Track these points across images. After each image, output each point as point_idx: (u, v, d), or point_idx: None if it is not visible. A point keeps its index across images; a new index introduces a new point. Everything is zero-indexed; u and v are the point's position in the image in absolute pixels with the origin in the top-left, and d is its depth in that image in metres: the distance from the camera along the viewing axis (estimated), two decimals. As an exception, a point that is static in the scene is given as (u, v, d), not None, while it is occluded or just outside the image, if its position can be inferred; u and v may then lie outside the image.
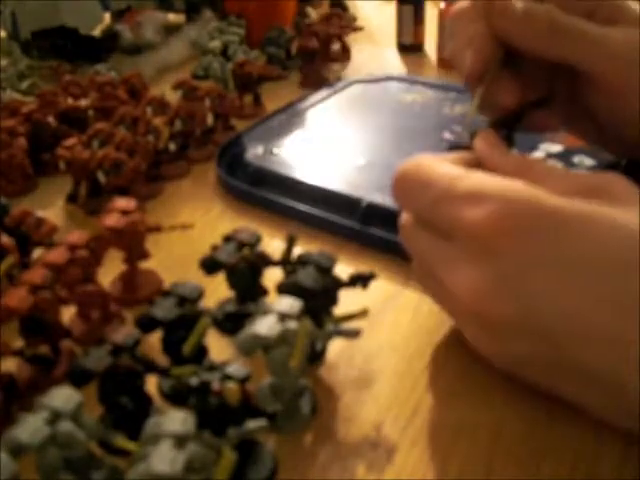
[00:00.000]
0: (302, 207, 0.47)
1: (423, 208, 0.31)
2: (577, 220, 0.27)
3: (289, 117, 0.61)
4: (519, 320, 0.28)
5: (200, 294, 0.33)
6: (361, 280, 0.33)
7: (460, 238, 0.29)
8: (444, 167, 0.31)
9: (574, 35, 0.34)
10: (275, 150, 0.54)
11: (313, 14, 0.94)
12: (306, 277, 0.32)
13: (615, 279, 0.26)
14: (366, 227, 0.44)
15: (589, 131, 0.41)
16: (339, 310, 0.33)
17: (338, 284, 0.33)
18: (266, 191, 0.49)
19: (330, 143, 0.56)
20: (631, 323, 0.25)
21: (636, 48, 0.34)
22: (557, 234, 0.27)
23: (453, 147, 0.37)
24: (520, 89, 0.36)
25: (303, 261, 0.33)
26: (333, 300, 0.34)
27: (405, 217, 0.33)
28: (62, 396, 0.25)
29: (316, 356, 0.33)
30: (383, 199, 0.44)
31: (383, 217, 0.44)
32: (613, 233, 0.26)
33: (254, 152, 0.54)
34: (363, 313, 0.31)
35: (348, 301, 0.34)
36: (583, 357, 0.27)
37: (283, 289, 0.32)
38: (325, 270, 0.33)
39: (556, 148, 0.52)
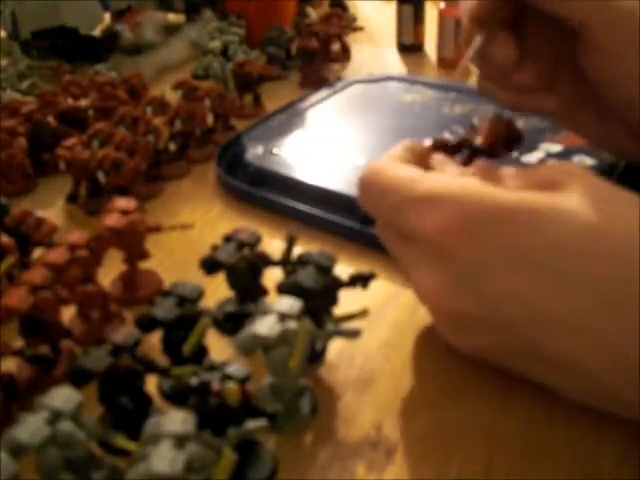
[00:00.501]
0: (302, 207, 0.47)
1: (385, 214, 0.33)
2: (525, 213, 0.27)
3: (289, 117, 0.61)
4: (480, 315, 0.29)
5: (200, 294, 0.33)
6: (361, 280, 0.33)
7: (418, 242, 0.30)
8: (401, 171, 0.32)
9: None
10: (275, 150, 0.54)
11: (313, 14, 0.94)
12: (306, 277, 0.32)
13: (567, 268, 0.26)
14: (366, 227, 0.44)
15: (588, 122, 0.41)
16: (339, 310, 0.33)
17: (338, 284, 0.33)
18: (266, 191, 0.49)
19: (330, 143, 0.56)
20: (588, 311, 0.26)
21: (636, 9, 0.34)
22: (506, 229, 0.27)
23: (438, 144, 0.37)
24: (516, 51, 0.37)
25: (303, 261, 0.33)
26: (333, 300, 0.34)
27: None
28: (62, 396, 0.25)
29: (316, 356, 0.33)
30: None
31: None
32: (559, 223, 0.27)
33: (254, 152, 0.54)
34: (363, 313, 0.31)
35: (348, 301, 0.34)
36: (546, 346, 0.27)
37: (283, 289, 0.32)
38: (325, 270, 0.33)
39: (556, 148, 0.52)
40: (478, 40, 0.37)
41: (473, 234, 0.28)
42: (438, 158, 0.35)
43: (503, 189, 0.29)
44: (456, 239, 0.28)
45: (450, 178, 0.30)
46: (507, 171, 0.32)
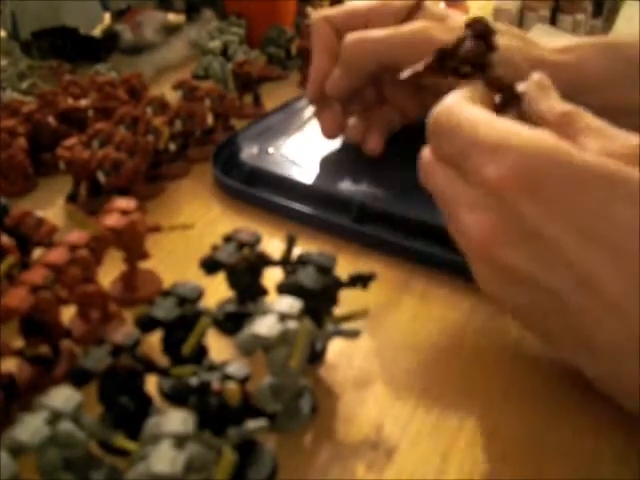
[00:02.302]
0: (298, 207, 0.47)
1: (452, 154, 0.31)
2: (605, 181, 0.25)
3: (285, 117, 0.61)
4: (530, 274, 0.27)
5: (200, 294, 0.33)
6: (361, 280, 0.33)
7: (479, 186, 0.29)
8: (473, 111, 0.30)
9: None
10: (270, 150, 0.54)
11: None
12: (306, 277, 0.32)
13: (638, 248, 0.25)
14: (362, 227, 0.44)
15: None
16: (339, 310, 0.33)
17: (338, 284, 0.33)
18: (261, 191, 0.49)
19: (325, 142, 0.56)
20: None
21: None
22: (581, 196, 0.26)
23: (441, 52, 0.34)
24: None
25: (303, 261, 0.33)
26: (333, 300, 0.34)
27: (427, 153, 0.33)
28: (62, 396, 0.25)
29: (316, 356, 0.33)
30: (379, 199, 0.45)
31: (379, 217, 0.44)
32: None
33: (249, 152, 0.54)
34: (363, 313, 0.31)
35: (348, 301, 0.34)
36: (585, 321, 0.26)
37: (283, 289, 0.32)
38: (325, 270, 0.33)
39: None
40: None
41: (540, 192, 0.26)
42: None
43: (581, 149, 0.27)
44: (520, 193, 0.27)
45: (523, 127, 0.28)
46: (586, 125, 0.29)
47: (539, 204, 0.26)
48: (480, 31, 0.34)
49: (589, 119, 0.30)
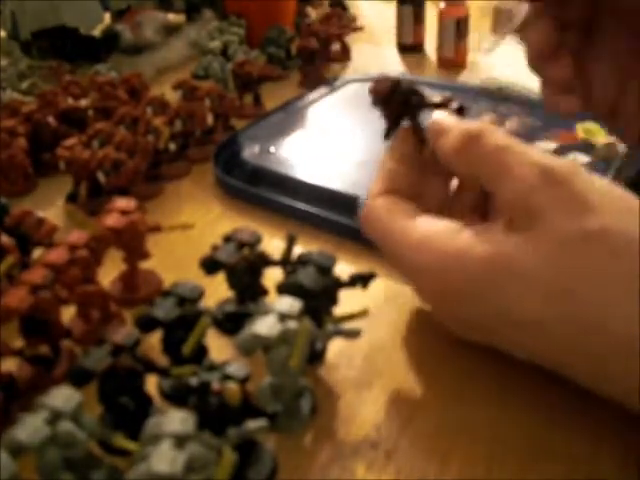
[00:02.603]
0: (299, 205, 0.47)
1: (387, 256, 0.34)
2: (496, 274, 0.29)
3: (285, 116, 0.61)
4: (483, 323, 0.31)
5: (200, 294, 0.33)
6: (361, 280, 0.33)
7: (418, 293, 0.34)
8: (390, 222, 0.33)
9: None
10: (272, 149, 0.54)
11: (313, 14, 0.94)
12: (306, 277, 0.32)
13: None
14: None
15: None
16: (339, 310, 0.33)
17: (338, 284, 0.33)
18: (263, 190, 0.49)
19: (326, 141, 0.56)
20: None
21: None
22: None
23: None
24: (551, 40, 0.34)
25: (303, 261, 0.33)
26: (333, 300, 0.34)
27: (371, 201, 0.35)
28: (62, 396, 0.25)
29: (316, 356, 0.33)
30: None
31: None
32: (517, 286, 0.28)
33: (250, 151, 0.54)
34: (363, 313, 0.31)
35: (348, 301, 0.34)
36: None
37: (283, 289, 0.32)
38: (325, 270, 0.33)
39: (551, 145, 0.52)
40: (522, 12, 0.35)
41: (463, 299, 0.30)
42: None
43: (480, 241, 0.29)
44: (451, 303, 0.31)
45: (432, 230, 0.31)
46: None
47: (468, 305, 0.31)
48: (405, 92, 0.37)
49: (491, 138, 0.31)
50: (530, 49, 0.35)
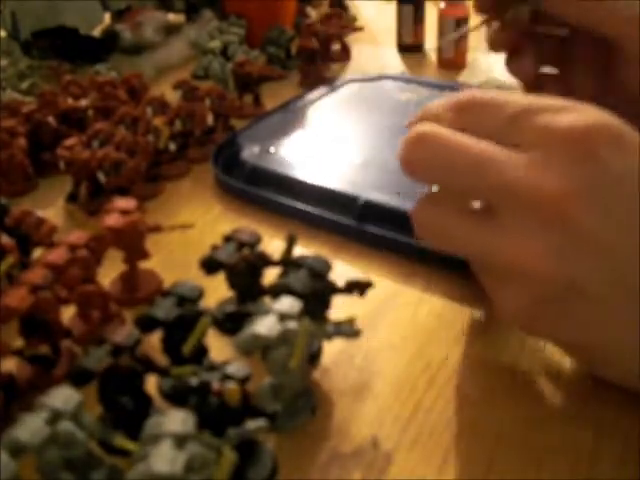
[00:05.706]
0: (298, 206, 0.47)
1: (499, 126, 0.28)
2: None
3: (284, 116, 0.61)
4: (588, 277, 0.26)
5: (200, 294, 0.33)
6: (358, 287, 0.33)
7: (551, 145, 0.27)
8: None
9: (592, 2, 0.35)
10: (271, 149, 0.54)
11: (313, 14, 0.94)
12: (296, 280, 0.32)
13: None
14: (363, 225, 0.44)
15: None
16: (339, 310, 0.33)
17: (333, 290, 0.33)
18: (262, 190, 0.49)
19: (326, 141, 0.56)
20: None
21: None
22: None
23: None
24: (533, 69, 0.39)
25: (298, 264, 0.33)
26: (325, 305, 0.33)
27: (420, 204, 0.30)
28: (62, 396, 0.25)
29: (311, 358, 0.33)
30: (380, 197, 0.45)
31: (380, 215, 0.44)
32: None
33: (250, 151, 0.54)
34: (350, 322, 0.31)
35: (348, 301, 0.34)
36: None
37: (272, 290, 0.32)
38: (317, 275, 0.33)
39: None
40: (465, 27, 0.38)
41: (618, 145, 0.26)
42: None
43: None
44: (604, 144, 0.26)
45: None
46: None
47: (598, 211, 0.26)
48: None
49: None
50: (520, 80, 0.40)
